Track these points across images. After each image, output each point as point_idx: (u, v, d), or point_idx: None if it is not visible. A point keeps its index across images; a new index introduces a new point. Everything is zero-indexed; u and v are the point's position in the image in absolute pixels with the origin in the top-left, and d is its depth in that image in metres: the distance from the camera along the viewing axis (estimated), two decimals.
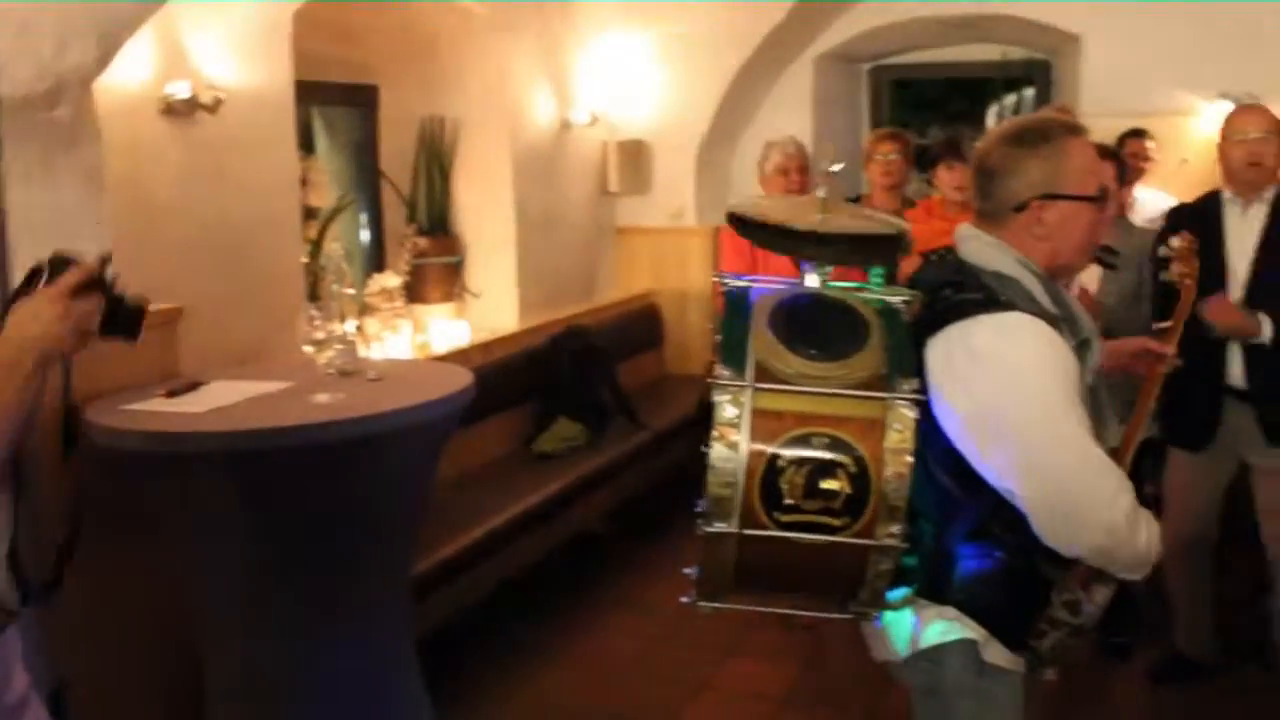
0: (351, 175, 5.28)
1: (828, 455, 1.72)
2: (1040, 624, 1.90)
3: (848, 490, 1.71)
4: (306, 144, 4.98)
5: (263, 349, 3.69)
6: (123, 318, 1.69)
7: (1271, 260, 3.32)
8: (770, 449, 1.72)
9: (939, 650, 1.95)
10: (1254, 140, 3.34)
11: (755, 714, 3.59)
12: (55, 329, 1.59)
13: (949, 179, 4.10)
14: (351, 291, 3.04)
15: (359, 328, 3.11)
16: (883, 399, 1.73)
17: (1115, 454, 2.15)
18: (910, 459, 1.72)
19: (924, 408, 1.79)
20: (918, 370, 1.79)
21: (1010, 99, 6.88)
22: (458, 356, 4.49)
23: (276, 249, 3.88)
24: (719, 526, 1.74)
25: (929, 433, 1.83)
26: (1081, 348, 1.91)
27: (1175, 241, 2.92)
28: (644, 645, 4.10)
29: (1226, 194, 3.48)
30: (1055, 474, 1.78)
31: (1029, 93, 6.68)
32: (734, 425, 1.72)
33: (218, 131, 3.58)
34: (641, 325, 6.13)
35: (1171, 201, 5.10)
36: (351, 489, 2.63)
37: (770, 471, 1.72)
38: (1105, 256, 2.24)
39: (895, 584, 1.86)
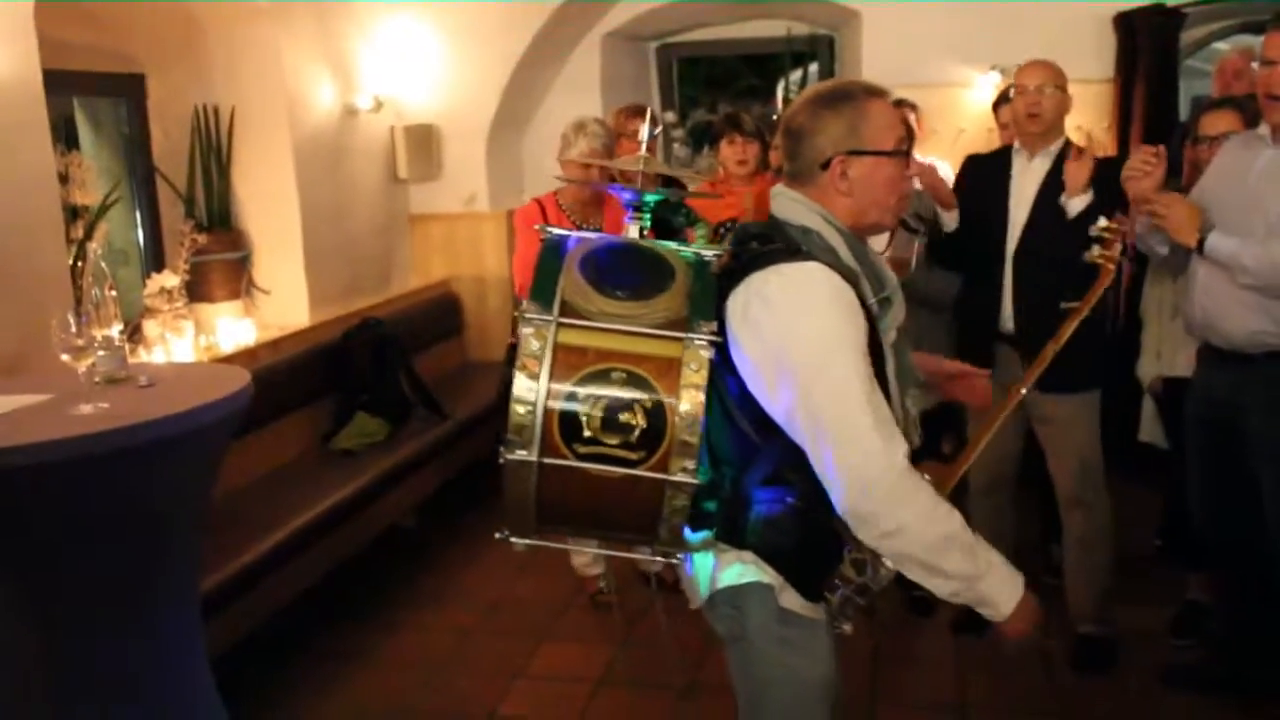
0: (122, 170, 4.99)
1: (625, 390, 1.79)
2: (834, 578, 1.95)
3: (643, 425, 1.78)
4: (70, 138, 4.69)
5: (26, 360, 3.44)
6: None
7: (1046, 210, 3.45)
8: (570, 381, 1.78)
9: (737, 594, 2.00)
10: (1031, 92, 3.47)
11: (571, 697, 3.57)
12: None
13: (731, 153, 4.15)
14: (114, 294, 2.84)
15: (124, 332, 2.92)
16: (680, 339, 1.81)
17: (938, 454, 2.22)
18: (702, 397, 1.78)
19: (725, 353, 1.87)
20: (718, 316, 1.86)
21: (797, 74, 7.02)
22: (244, 356, 4.34)
23: (35, 251, 3.62)
24: (520, 454, 1.79)
25: (730, 379, 1.90)
26: (883, 304, 1.99)
27: (1103, 222, 2.96)
28: (458, 638, 4.04)
29: (1015, 146, 3.63)
30: (825, 417, 1.81)
31: (815, 67, 6.84)
32: (537, 358, 1.79)
33: None
34: (440, 314, 6.03)
35: (944, 167, 5.34)
36: (123, 501, 2.47)
37: (570, 403, 1.79)
38: (911, 221, 2.31)
39: (697, 527, 1.94)
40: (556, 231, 1.96)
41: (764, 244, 1.95)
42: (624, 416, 1.78)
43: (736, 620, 2.03)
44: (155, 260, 5.02)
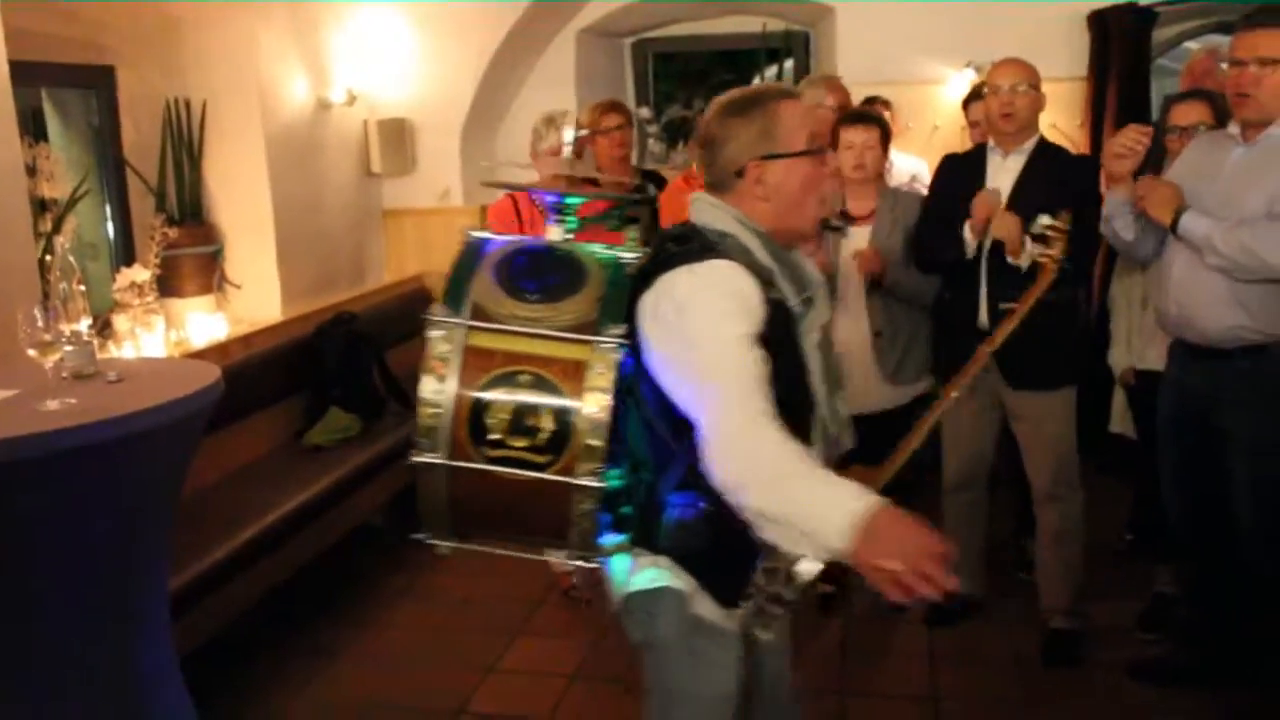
0: (92, 163, 4.94)
1: (531, 393, 1.81)
2: (747, 585, 1.95)
3: (550, 428, 1.80)
4: (38, 130, 4.64)
5: None
6: None
7: (1019, 208, 3.44)
8: (477, 385, 1.80)
9: (650, 598, 1.99)
10: (1005, 92, 3.48)
11: (544, 691, 3.57)
12: None
13: None
14: (82, 288, 2.81)
15: (93, 327, 2.89)
16: (587, 341, 1.82)
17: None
18: (608, 400, 1.79)
19: (639, 357, 1.87)
20: (628, 319, 1.86)
21: (772, 70, 7.02)
22: (215, 352, 4.31)
23: (2, 244, 3.58)
24: (429, 457, 1.82)
25: (644, 385, 1.90)
26: (805, 304, 1.99)
27: (1045, 220, 2.96)
28: (431, 633, 4.02)
29: (990, 144, 3.64)
30: (705, 398, 1.77)
31: (790, 64, 6.83)
32: (445, 360, 1.81)
33: None
34: (413, 309, 5.89)
35: (919, 164, 5.36)
36: (91, 499, 2.44)
37: (476, 406, 1.80)
38: (833, 221, 2.32)
39: (620, 532, 1.95)
40: (476, 234, 1.97)
41: (681, 245, 1.94)
42: (530, 420, 1.79)
43: (648, 626, 2.03)
44: (125, 254, 4.97)
